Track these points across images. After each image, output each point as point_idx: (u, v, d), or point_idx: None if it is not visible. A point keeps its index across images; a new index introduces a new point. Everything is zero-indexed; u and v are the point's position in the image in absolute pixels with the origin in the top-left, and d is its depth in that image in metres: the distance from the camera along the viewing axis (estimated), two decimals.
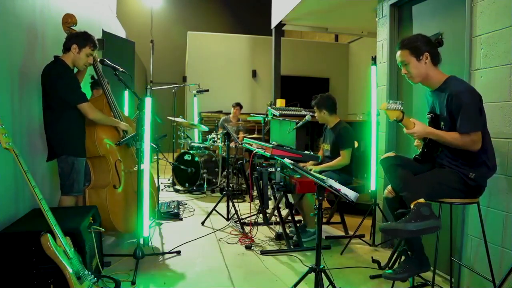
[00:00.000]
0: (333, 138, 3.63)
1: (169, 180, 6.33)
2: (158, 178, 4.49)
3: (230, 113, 6.79)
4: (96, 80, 3.64)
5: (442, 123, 2.09)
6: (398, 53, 2.16)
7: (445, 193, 2.05)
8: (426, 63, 2.08)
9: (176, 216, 4.23)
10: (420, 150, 2.16)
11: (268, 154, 3.01)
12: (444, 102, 2.02)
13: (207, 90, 6.27)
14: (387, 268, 2.77)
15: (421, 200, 1.95)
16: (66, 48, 2.79)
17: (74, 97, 2.72)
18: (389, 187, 2.28)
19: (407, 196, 2.01)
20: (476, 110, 1.96)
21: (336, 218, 3.99)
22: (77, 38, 2.79)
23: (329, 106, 3.63)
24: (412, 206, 1.95)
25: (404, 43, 2.13)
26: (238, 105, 6.62)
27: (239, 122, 6.44)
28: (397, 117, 2.01)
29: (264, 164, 3.33)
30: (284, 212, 4.04)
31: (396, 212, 2.14)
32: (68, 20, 2.93)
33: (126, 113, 4.86)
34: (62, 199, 2.80)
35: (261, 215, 3.86)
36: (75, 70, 2.91)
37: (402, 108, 1.99)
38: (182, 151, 6.07)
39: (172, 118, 5.70)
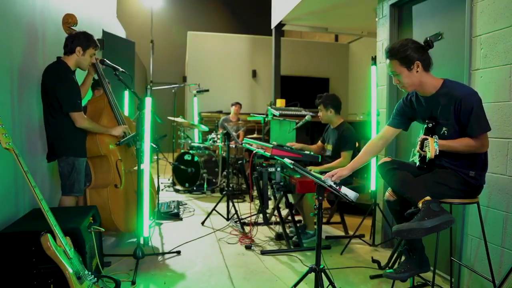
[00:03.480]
0: (335, 138, 3.62)
1: (169, 180, 6.33)
2: (158, 178, 4.49)
3: (230, 113, 6.80)
4: (97, 80, 3.63)
5: (444, 128, 2.03)
6: (387, 62, 2.08)
7: (446, 194, 2.05)
8: (417, 71, 2.01)
9: (176, 216, 4.23)
10: (419, 157, 2.08)
11: (268, 154, 3.01)
12: (450, 107, 1.96)
13: (207, 90, 6.28)
14: (387, 268, 2.77)
15: (428, 198, 1.93)
16: (70, 51, 2.77)
17: (67, 104, 2.69)
18: (390, 189, 2.27)
19: (412, 197, 1.99)
20: (483, 112, 1.94)
21: (336, 218, 3.99)
22: (80, 40, 2.78)
23: (336, 105, 3.63)
24: (420, 205, 1.93)
25: (393, 53, 2.03)
26: (238, 104, 6.64)
27: (239, 122, 6.45)
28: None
29: (264, 164, 3.33)
30: (284, 212, 4.04)
31: (406, 213, 2.10)
32: (69, 20, 2.92)
33: (126, 113, 4.86)
34: (63, 199, 2.80)
35: (261, 215, 3.86)
36: (80, 74, 2.90)
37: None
38: (182, 151, 6.07)
39: (172, 118, 5.71)
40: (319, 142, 3.91)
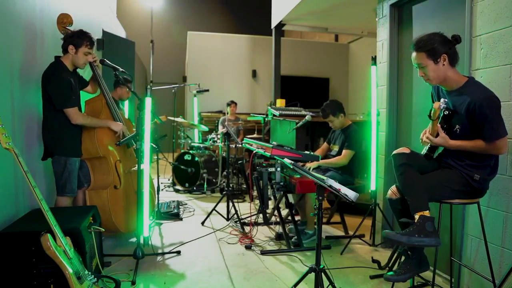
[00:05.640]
0: (343, 139, 3.62)
1: (169, 180, 6.33)
2: (158, 178, 4.49)
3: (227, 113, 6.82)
4: (117, 80, 3.62)
5: (457, 126, 2.05)
6: (414, 55, 2.07)
7: (447, 196, 2.06)
8: (444, 65, 2.00)
9: (176, 216, 4.23)
10: (428, 146, 2.15)
11: (268, 154, 3.01)
12: (464, 107, 1.97)
13: (207, 90, 6.28)
14: (387, 269, 2.78)
15: (426, 213, 1.96)
16: (64, 49, 2.78)
17: (60, 100, 2.68)
18: (394, 188, 2.27)
19: (412, 204, 2.02)
20: (499, 118, 1.94)
21: (336, 218, 3.99)
22: (73, 38, 2.76)
23: (341, 108, 3.65)
24: (416, 217, 1.97)
25: (420, 45, 2.02)
26: (233, 103, 6.69)
27: (239, 122, 6.44)
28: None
29: (264, 164, 3.33)
30: (284, 212, 4.04)
31: (400, 220, 2.14)
32: (64, 20, 2.91)
33: (126, 114, 4.86)
34: (57, 200, 2.79)
35: (261, 215, 3.86)
36: (86, 75, 2.88)
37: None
38: (182, 151, 6.07)
39: (172, 118, 5.71)
40: (325, 144, 3.91)
